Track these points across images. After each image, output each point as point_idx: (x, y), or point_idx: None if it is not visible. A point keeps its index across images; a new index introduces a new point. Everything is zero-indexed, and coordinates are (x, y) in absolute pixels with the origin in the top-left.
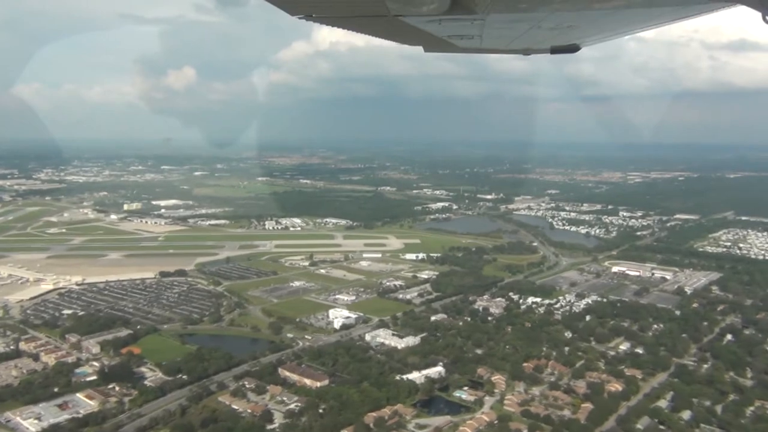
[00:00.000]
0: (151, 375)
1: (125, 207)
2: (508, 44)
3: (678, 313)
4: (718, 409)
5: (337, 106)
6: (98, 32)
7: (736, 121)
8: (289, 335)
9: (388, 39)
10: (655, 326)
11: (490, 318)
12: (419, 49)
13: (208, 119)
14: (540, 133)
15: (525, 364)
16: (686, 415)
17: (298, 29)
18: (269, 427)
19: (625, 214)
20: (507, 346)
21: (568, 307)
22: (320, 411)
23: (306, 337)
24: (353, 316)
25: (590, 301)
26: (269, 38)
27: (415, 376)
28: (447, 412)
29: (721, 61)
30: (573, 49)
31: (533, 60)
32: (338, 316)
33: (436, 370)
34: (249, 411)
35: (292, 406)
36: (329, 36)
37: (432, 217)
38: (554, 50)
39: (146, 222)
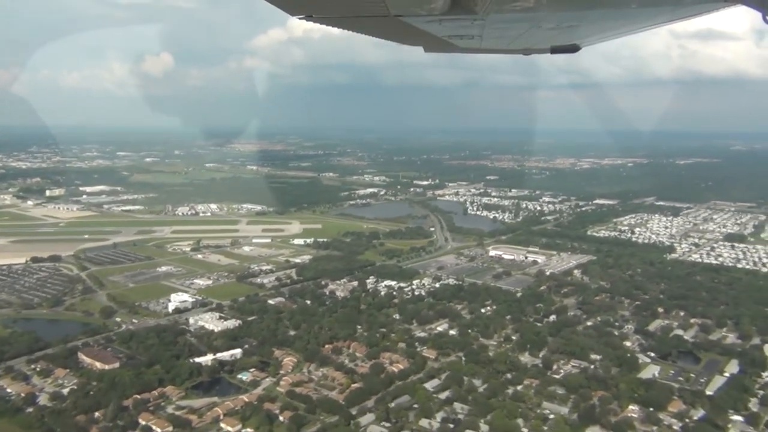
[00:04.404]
0: None
1: (47, 193)
2: (508, 44)
3: (519, 295)
4: (484, 388)
5: (316, 93)
6: (75, 17)
7: (712, 108)
8: (118, 319)
9: (388, 39)
10: (488, 308)
11: (328, 302)
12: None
13: (182, 106)
14: (516, 120)
15: (327, 346)
16: (446, 394)
17: (275, 16)
18: (28, 409)
19: (546, 199)
20: (322, 329)
21: (416, 290)
22: (91, 393)
23: (133, 320)
24: (191, 300)
25: (438, 285)
26: (247, 24)
27: (209, 358)
28: (216, 393)
29: (690, 49)
30: (573, 49)
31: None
32: (176, 301)
33: (232, 353)
34: (17, 393)
35: (68, 389)
36: (306, 24)
37: (352, 202)
38: (554, 50)
39: (58, 208)
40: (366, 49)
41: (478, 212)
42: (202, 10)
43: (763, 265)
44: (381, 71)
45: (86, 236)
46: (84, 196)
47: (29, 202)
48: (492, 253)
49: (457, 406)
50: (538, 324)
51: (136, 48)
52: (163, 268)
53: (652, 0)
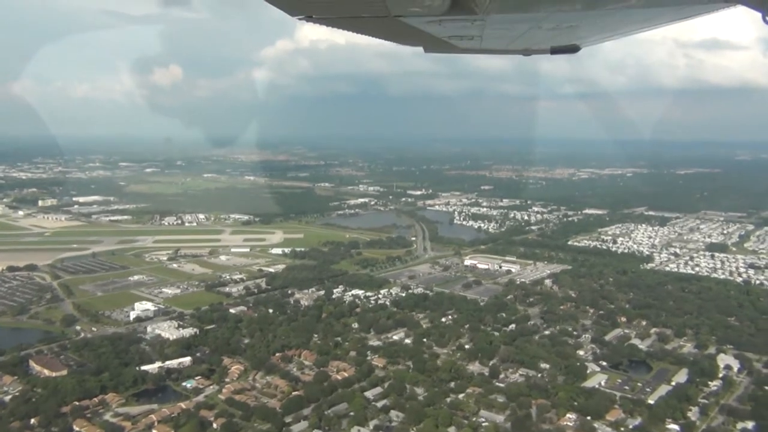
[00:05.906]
0: None
1: (40, 203)
2: (508, 45)
3: (482, 304)
4: (424, 396)
5: (323, 103)
6: (83, 28)
7: (720, 117)
8: (78, 327)
9: (388, 40)
10: (449, 317)
11: (289, 311)
12: (404, 47)
13: (190, 115)
14: (522, 129)
15: (278, 354)
16: (384, 402)
17: (282, 27)
18: None
19: (536, 209)
20: (276, 337)
21: (381, 300)
22: (32, 400)
23: (93, 329)
24: (153, 308)
25: (404, 294)
26: (255, 35)
27: (156, 366)
28: (157, 400)
29: (696, 58)
30: (573, 49)
31: (518, 58)
32: (139, 309)
33: (181, 361)
34: None
35: (10, 395)
36: (312, 34)
37: (341, 212)
38: (554, 50)
39: (47, 218)
40: (373, 58)
41: (464, 222)
42: (210, 21)
43: (739, 274)
44: (388, 80)
45: (72, 245)
46: (75, 207)
47: (20, 212)
48: (467, 262)
49: (393, 414)
50: (496, 333)
51: (143, 58)
52: (135, 278)
53: (652, 0)
